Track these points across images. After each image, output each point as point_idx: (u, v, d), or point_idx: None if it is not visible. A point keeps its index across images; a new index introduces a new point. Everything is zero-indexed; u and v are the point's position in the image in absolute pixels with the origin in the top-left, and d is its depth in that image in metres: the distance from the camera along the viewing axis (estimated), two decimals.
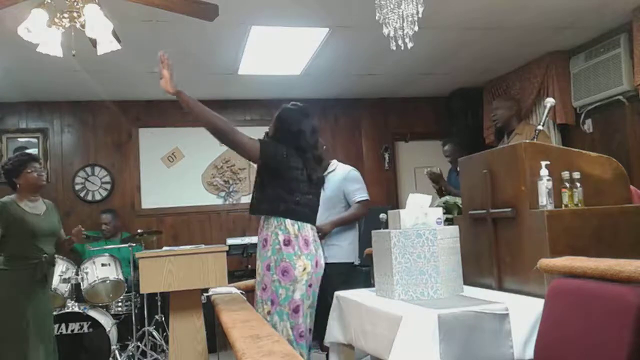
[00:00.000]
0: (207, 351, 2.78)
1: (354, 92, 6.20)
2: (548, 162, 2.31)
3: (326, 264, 2.83)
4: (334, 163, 3.77)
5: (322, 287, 2.78)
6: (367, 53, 4.81)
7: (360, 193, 3.66)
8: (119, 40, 2.96)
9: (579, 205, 2.31)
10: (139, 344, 4.59)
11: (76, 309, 4.24)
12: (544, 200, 2.29)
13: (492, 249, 2.56)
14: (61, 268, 4.24)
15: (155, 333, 4.73)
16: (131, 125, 5.95)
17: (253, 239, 4.82)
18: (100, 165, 5.84)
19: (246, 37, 4.26)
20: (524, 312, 2.10)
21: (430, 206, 2.55)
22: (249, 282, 3.29)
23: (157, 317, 4.74)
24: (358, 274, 3.91)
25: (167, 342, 4.27)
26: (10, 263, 3.31)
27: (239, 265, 5.34)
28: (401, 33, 2.64)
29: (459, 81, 6.01)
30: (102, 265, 4.51)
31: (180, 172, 6.02)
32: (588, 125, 4.95)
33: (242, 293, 3.02)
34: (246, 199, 5.88)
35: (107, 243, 5.15)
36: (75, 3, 2.69)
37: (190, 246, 2.88)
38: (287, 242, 2.63)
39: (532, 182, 2.34)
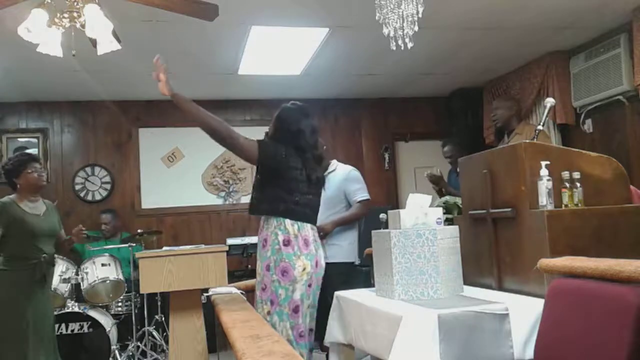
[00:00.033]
0: (207, 351, 2.78)
1: (354, 92, 6.20)
2: (548, 162, 2.31)
3: (326, 263, 2.83)
4: (334, 163, 3.78)
5: (322, 287, 2.78)
6: (367, 53, 4.81)
7: (361, 193, 3.67)
8: (119, 40, 2.96)
9: (579, 205, 2.31)
10: (139, 344, 4.59)
11: (76, 309, 4.24)
12: (544, 200, 2.29)
13: (492, 249, 2.56)
14: (61, 268, 4.24)
15: (155, 333, 4.73)
16: (131, 125, 5.95)
17: (253, 239, 4.82)
18: (100, 165, 5.84)
19: (246, 37, 4.26)
20: (524, 312, 2.10)
21: (430, 206, 2.55)
22: (249, 282, 3.29)
23: (157, 317, 4.74)
24: (358, 273, 3.91)
25: (167, 342, 4.27)
26: (10, 263, 3.31)
27: (239, 265, 5.34)
28: (401, 33, 2.64)
29: (459, 81, 6.01)
30: (102, 265, 4.51)
31: (180, 172, 6.02)
32: (588, 125, 4.95)
33: (242, 293, 3.02)
34: (246, 199, 5.86)
35: (107, 243, 5.15)
36: (75, 3, 2.69)
37: (190, 246, 2.88)
38: (287, 242, 2.63)
39: (532, 182, 2.34)
